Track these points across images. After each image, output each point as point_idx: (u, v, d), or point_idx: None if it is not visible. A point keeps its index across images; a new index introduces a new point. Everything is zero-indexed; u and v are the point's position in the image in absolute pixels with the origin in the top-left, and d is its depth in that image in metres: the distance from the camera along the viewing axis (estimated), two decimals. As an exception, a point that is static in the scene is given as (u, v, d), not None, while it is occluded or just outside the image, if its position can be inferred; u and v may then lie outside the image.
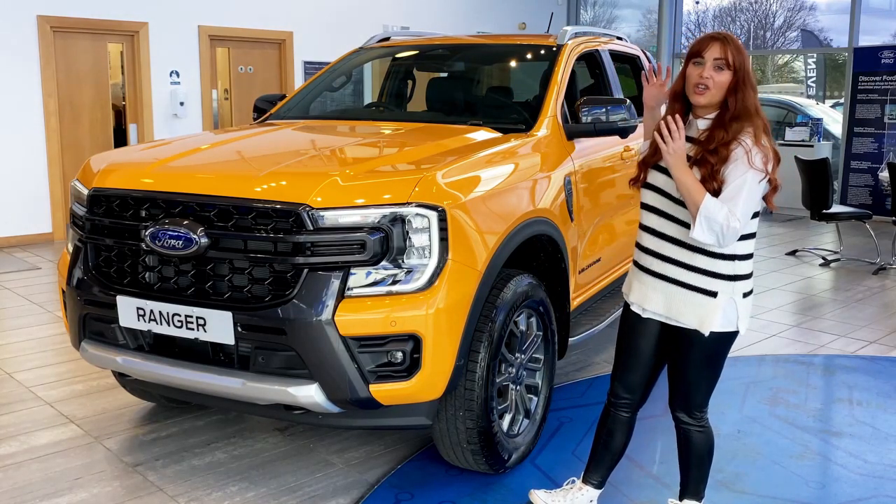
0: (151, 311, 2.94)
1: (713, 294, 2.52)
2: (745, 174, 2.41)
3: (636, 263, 2.71)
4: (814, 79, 13.89)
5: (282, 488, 3.25)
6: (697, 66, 2.51)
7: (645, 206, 2.66)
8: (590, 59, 4.66)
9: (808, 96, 13.64)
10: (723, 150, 2.43)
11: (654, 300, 2.62)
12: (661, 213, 2.59)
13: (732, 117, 2.46)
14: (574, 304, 3.92)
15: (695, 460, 2.75)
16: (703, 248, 2.50)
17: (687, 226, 2.48)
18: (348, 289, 2.75)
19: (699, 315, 2.54)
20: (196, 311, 2.85)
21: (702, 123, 2.54)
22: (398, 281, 2.78)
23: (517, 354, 3.32)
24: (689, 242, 2.51)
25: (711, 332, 2.54)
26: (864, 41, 10.89)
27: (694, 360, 2.62)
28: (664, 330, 2.67)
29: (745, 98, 2.47)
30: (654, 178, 2.61)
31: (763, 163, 2.42)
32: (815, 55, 14.06)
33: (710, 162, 2.43)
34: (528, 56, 4.74)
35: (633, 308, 2.71)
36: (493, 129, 3.70)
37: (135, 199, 3.03)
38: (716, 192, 2.42)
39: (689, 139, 2.54)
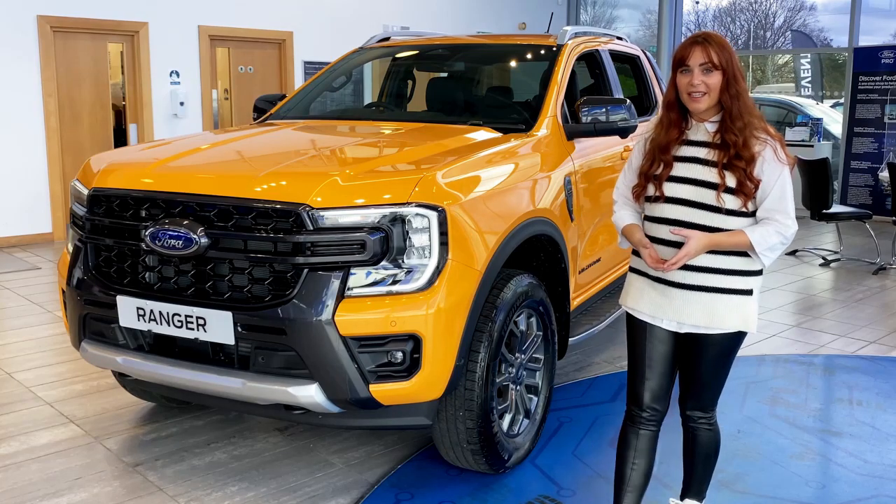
0: (151, 311, 2.94)
1: (750, 292, 2.53)
2: (782, 173, 2.43)
3: (659, 280, 2.58)
4: (808, 79, 13.88)
5: (282, 488, 3.25)
6: (685, 73, 2.47)
7: (666, 221, 2.52)
8: (590, 59, 4.66)
9: (807, 96, 13.64)
10: (746, 152, 2.42)
11: (692, 314, 2.53)
12: (690, 224, 2.48)
13: (734, 116, 2.46)
14: (574, 304, 3.92)
15: (701, 459, 2.74)
16: (736, 250, 2.49)
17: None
18: (348, 289, 2.75)
19: (742, 316, 2.52)
20: (196, 311, 2.85)
21: (710, 126, 2.51)
22: (398, 281, 2.78)
23: (517, 354, 3.32)
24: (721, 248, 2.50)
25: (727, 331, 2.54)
26: (864, 41, 10.89)
27: (711, 359, 2.60)
28: (675, 333, 2.64)
29: (739, 93, 2.45)
30: (675, 190, 2.51)
31: (785, 153, 2.45)
32: (808, 55, 14.05)
33: (739, 167, 2.42)
34: (528, 56, 4.73)
35: (665, 325, 2.59)
36: (493, 129, 3.70)
37: (135, 199, 3.03)
38: (753, 191, 2.42)
39: (699, 143, 2.52)
